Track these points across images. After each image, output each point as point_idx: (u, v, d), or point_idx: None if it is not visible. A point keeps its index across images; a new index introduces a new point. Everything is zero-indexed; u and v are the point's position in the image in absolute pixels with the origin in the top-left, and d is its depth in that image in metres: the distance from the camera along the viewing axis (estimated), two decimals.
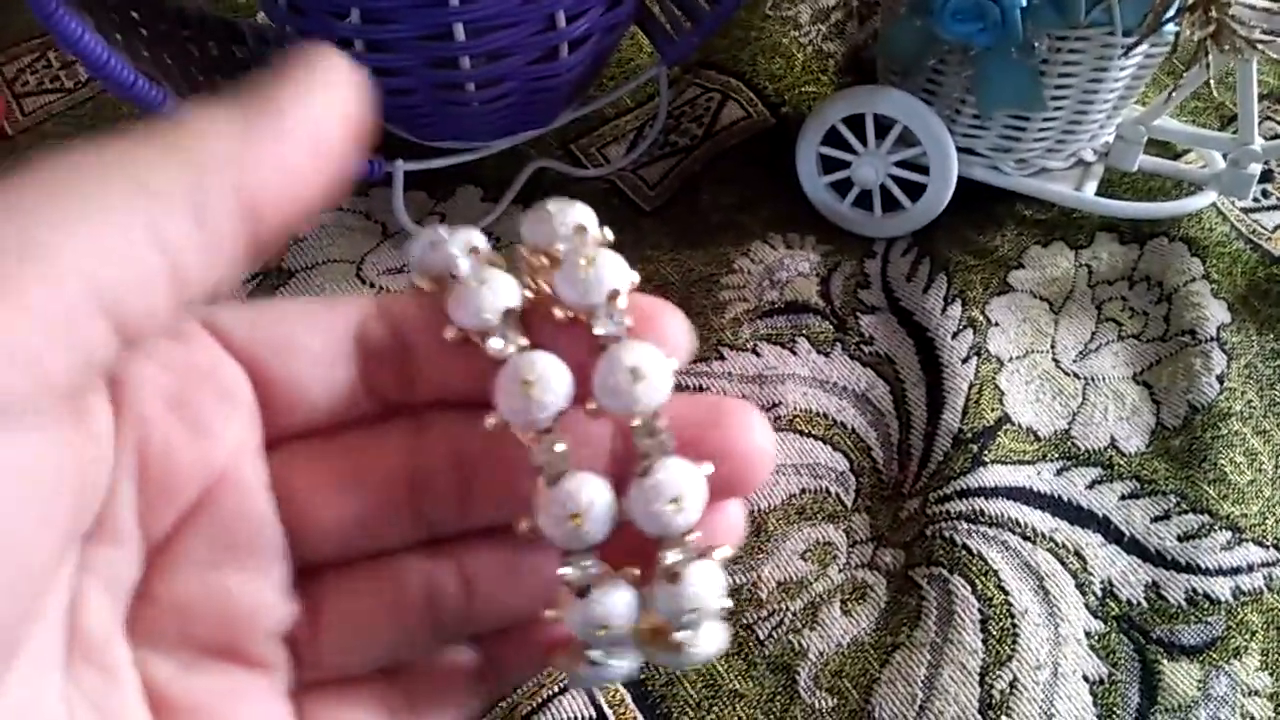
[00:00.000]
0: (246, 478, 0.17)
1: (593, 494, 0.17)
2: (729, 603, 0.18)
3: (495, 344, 0.17)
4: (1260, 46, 0.42)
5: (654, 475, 0.16)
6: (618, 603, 0.17)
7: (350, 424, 0.18)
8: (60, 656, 0.14)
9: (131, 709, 0.16)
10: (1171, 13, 0.44)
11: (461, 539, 0.18)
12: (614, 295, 0.17)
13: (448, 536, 0.18)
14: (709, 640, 0.18)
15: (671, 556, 0.17)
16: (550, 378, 0.17)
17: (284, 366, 0.17)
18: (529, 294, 0.18)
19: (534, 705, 0.40)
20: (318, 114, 0.15)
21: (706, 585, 0.17)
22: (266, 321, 0.17)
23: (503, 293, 0.17)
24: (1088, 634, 0.42)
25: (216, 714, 0.16)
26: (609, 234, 0.19)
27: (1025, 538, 0.45)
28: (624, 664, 0.18)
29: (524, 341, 0.17)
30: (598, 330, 0.17)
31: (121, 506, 0.15)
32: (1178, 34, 0.45)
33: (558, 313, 0.18)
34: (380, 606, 0.18)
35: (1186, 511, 0.46)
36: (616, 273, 0.17)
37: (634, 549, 0.17)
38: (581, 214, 0.18)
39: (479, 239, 0.18)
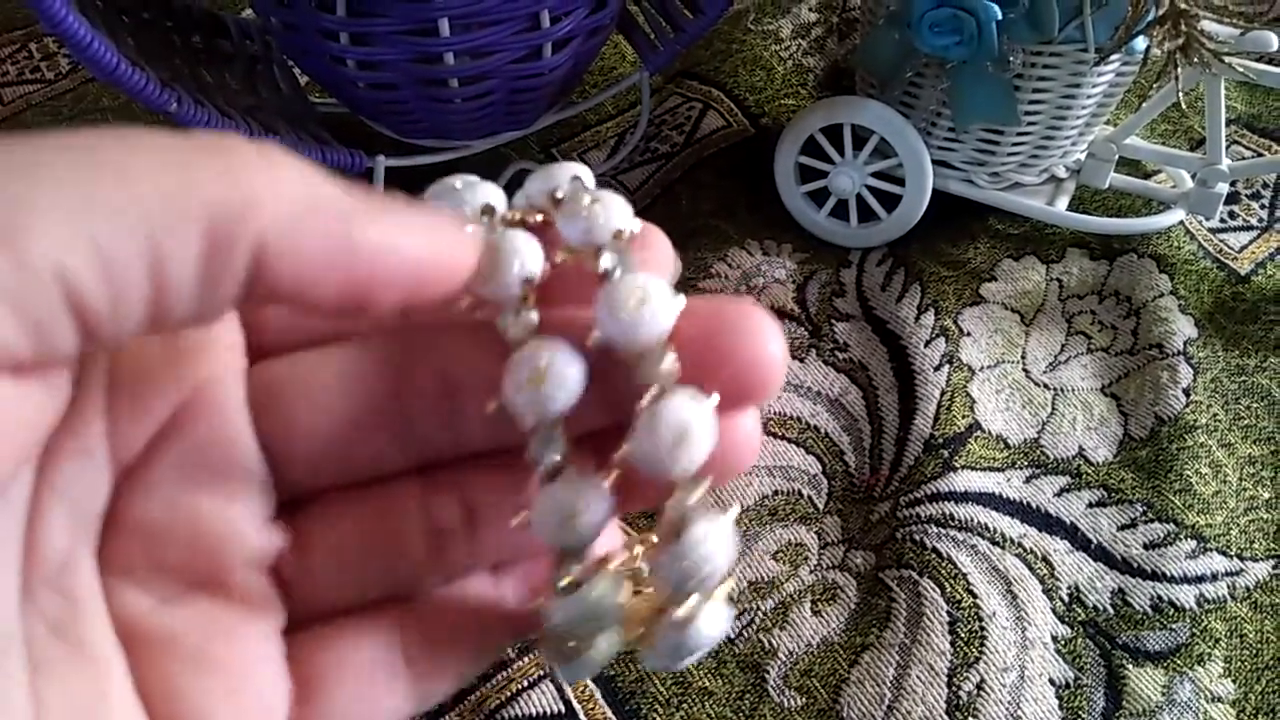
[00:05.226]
0: (224, 396, 0.16)
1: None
2: (731, 582, 0.16)
3: (502, 323, 0.16)
4: (1226, 60, 0.43)
5: (656, 408, 0.15)
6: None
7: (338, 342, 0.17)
8: (15, 579, 0.14)
9: (98, 638, 0.15)
10: (1141, 27, 0.45)
11: (460, 466, 0.17)
12: (619, 234, 0.16)
13: (443, 462, 0.17)
14: (711, 621, 0.16)
15: (674, 507, 0.15)
16: (563, 373, 0.16)
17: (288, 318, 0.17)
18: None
19: (502, 699, 0.40)
20: (416, 237, 0.14)
21: (715, 544, 0.15)
22: None
23: (527, 260, 0.16)
24: (1054, 638, 0.43)
25: (196, 649, 0.15)
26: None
27: (994, 542, 0.45)
28: (604, 636, 0.16)
29: (533, 318, 0.16)
30: (603, 264, 0.16)
31: (89, 420, 0.15)
32: (1148, 49, 0.46)
33: (559, 256, 0.17)
34: (374, 530, 0.17)
35: (1152, 520, 0.47)
36: (621, 213, 0.16)
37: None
38: (579, 169, 0.17)
39: (497, 195, 0.17)
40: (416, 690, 0.17)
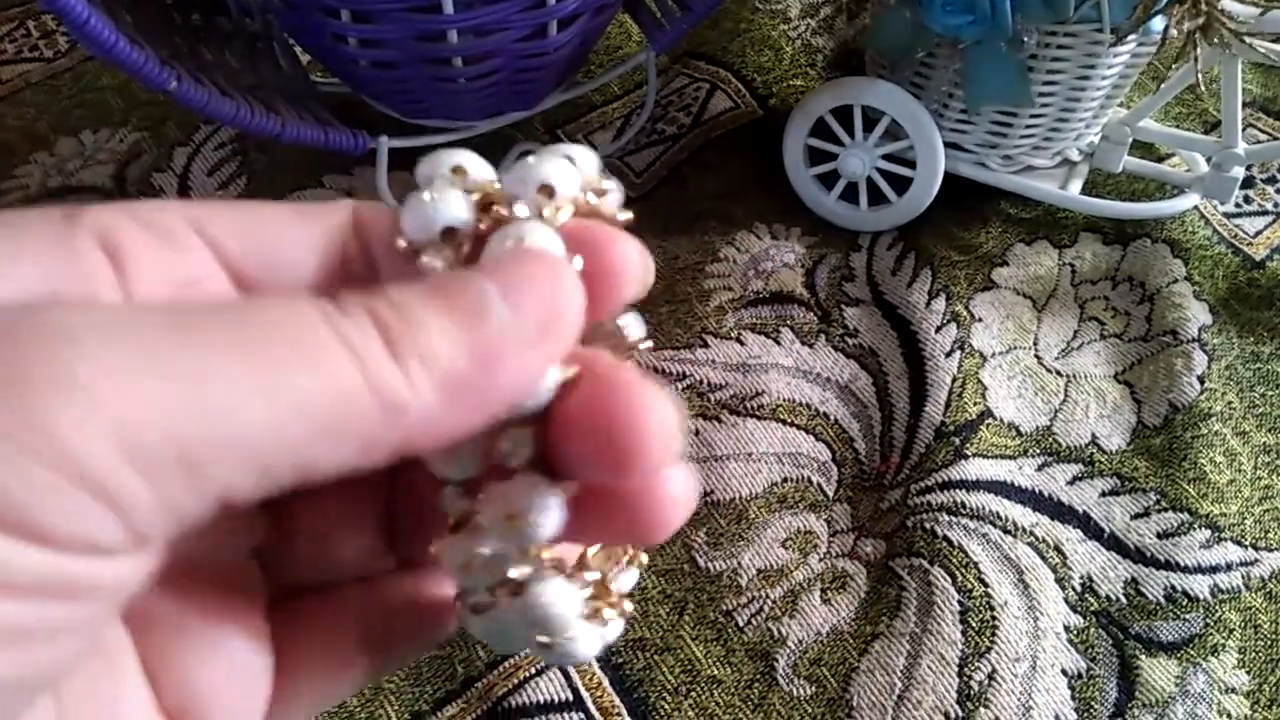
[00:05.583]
0: None
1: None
2: (616, 616, 0.17)
3: (426, 260, 0.16)
4: (1247, 40, 0.43)
5: (498, 489, 0.16)
6: (482, 547, 0.17)
7: None
8: None
9: (110, 626, 0.15)
10: (1160, 6, 0.44)
11: (418, 470, 0.18)
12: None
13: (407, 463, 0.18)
14: (583, 645, 0.17)
15: (515, 570, 0.17)
16: (466, 451, 0.16)
17: (273, 282, 0.17)
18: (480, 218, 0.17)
19: (510, 686, 0.39)
20: (521, 376, 0.15)
21: (551, 604, 0.16)
22: (257, 231, 0.17)
23: (449, 209, 0.16)
24: (1067, 628, 0.42)
25: (197, 633, 0.16)
26: (612, 188, 0.18)
27: (1006, 531, 0.44)
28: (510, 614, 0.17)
29: (450, 257, 0.17)
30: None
31: None
32: (1166, 28, 0.45)
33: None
34: (343, 518, 0.18)
35: (1166, 509, 0.46)
36: (550, 250, 0.16)
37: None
38: (553, 172, 0.17)
39: (471, 161, 0.17)
40: (373, 665, 0.18)
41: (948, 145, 0.54)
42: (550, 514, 0.16)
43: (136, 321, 0.12)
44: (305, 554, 0.18)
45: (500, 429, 0.16)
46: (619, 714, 0.39)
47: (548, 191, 0.17)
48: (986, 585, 0.43)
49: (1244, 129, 0.62)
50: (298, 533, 0.18)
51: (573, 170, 0.17)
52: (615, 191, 0.18)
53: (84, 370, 0.11)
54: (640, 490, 0.16)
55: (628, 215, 0.18)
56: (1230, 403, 0.50)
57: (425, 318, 0.14)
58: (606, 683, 0.40)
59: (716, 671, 0.41)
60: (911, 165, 0.54)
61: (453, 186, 0.17)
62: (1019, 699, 0.40)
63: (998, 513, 0.45)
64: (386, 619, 0.19)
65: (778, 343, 0.51)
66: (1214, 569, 0.44)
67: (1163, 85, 0.51)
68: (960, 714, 0.39)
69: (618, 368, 0.16)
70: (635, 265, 0.17)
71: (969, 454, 0.47)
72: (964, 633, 0.41)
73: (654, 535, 0.17)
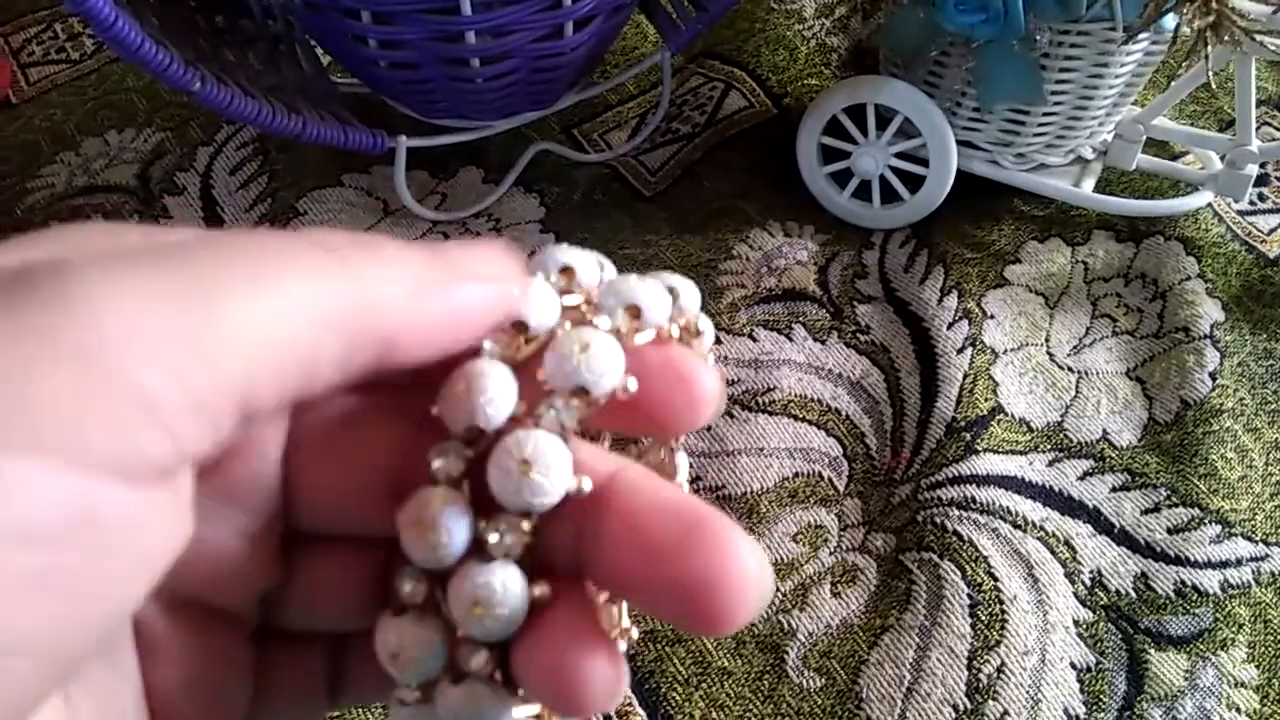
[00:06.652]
0: (265, 444, 0.17)
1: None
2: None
3: (487, 344, 0.17)
4: (1258, 39, 0.43)
5: (476, 570, 0.16)
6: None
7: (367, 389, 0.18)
8: None
9: (124, 644, 0.16)
10: (1171, 4, 0.44)
11: None
12: (579, 392, 0.16)
13: None
14: None
15: (465, 659, 0.16)
16: (450, 534, 0.16)
17: None
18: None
19: None
20: (478, 295, 0.16)
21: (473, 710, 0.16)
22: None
23: (494, 401, 0.16)
24: (1076, 622, 0.43)
25: (193, 659, 0.16)
26: (706, 330, 0.18)
27: (1016, 526, 0.45)
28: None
29: (512, 345, 0.17)
30: (539, 410, 0.16)
31: None
32: (1177, 27, 0.45)
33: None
34: (345, 580, 0.18)
35: (1177, 505, 0.46)
36: (606, 366, 0.16)
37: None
38: (646, 296, 0.17)
39: (584, 265, 0.17)
40: (330, 707, 0.19)
41: (961, 143, 0.54)
42: (517, 615, 0.16)
43: (144, 259, 0.13)
44: (298, 606, 0.18)
45: (494, 521, 0.16)
46: (630, 705, 0.40)
47: (634, 312, 0.17)
48: (996, 579, 0.43)
49: (1259, 127, 0.62)
50: (296, 588, 0.18)
51: (667, 301, 0.17)
52: (708, 333, 0.18)
53: (110, 304, 0.12)
54: (566, 668, 0.15)
55: (712, 358, 0.18)
56: (1242, 399, 0.50)
57: (402, 247, 0.16)
58: None
59: (727, 663, 0.41)
60: (924, 163, 0.54)
61: (551, 286, 0.17)
62: (1028, 692, 0.40)
63: (1008, 508, 0.45)
64: (354, 671, 0.19)
65: (790, 339, 0.52)
66: (1224, 564, 0.44)
67: (1174, 83, 0.51)
68: (969, 707, 0.40)
69: (700, 506, 0.15)
70: (715, 401, 0.17)
71: (980, 449, 0.47)
72: (973, 626, 0.42)
73: (568, 708, 0.16)
